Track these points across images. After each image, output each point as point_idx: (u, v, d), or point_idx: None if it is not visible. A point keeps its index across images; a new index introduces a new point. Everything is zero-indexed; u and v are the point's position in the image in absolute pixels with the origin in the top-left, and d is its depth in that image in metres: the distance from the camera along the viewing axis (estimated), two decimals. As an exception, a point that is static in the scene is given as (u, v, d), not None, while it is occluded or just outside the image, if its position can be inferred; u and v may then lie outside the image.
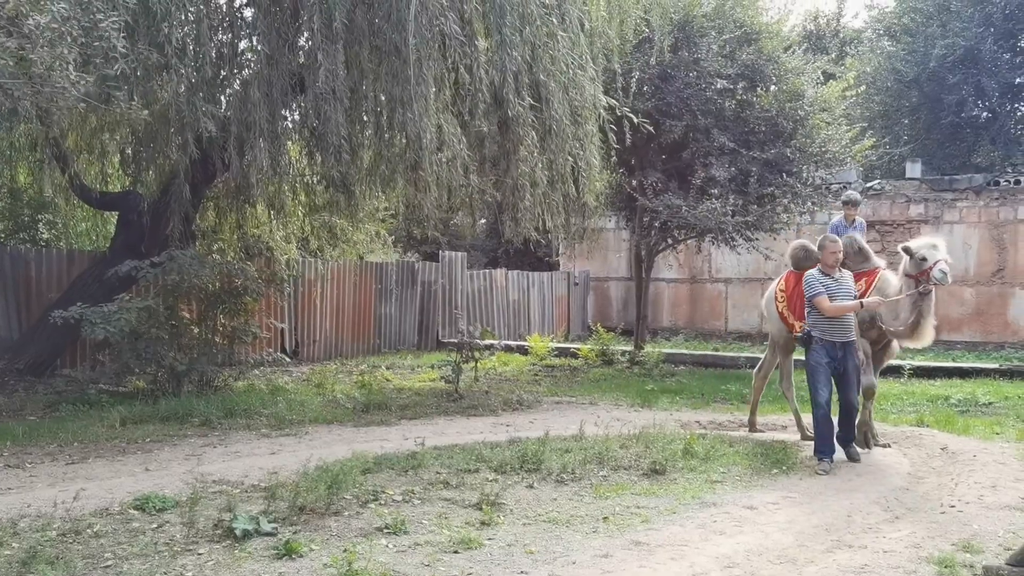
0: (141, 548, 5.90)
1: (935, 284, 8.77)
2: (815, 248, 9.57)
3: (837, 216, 12.08)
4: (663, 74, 16.12)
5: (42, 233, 17.89)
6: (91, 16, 8.22)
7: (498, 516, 6.80)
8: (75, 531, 6.17)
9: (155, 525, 6.44)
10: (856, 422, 9.18)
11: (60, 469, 8.39)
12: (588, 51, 13.50)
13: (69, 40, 7.84)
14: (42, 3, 7.77)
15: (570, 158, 13.30)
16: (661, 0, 16.08)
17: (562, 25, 12.76)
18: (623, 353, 17.90)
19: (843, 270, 9.11)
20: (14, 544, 5.88)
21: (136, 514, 6.71)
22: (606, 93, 14.38)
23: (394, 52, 10.96)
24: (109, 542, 6.03)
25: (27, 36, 7.67)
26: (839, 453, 8.97)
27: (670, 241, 18.17)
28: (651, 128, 15.23)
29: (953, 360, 17.76)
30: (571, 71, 12.89)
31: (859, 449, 9.24)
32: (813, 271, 9.03)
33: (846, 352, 8.81)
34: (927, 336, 9.13)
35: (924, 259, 8.85)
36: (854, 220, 11.64)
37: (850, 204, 11.78)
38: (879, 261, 10.02)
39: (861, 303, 8.82)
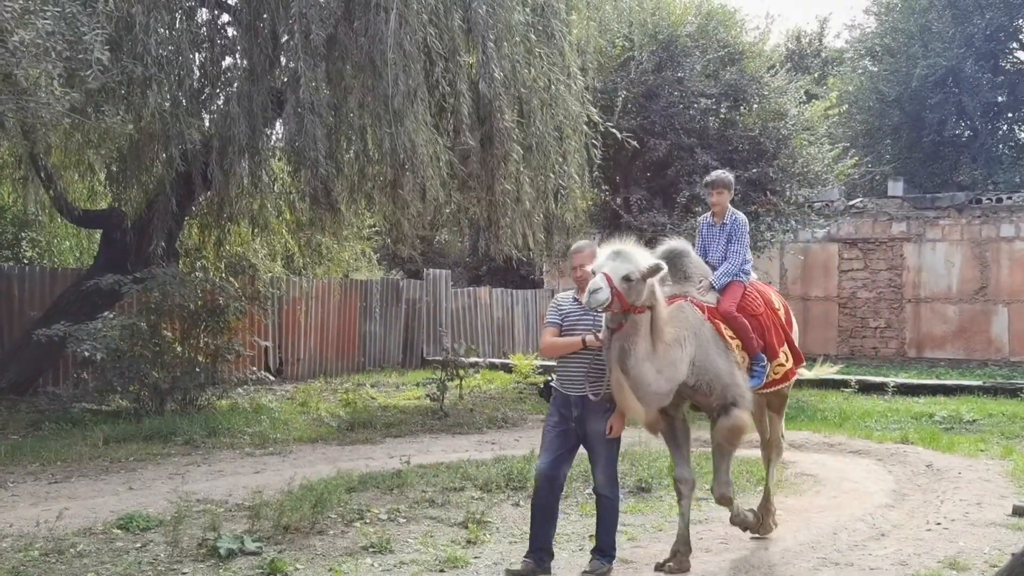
0: (124, 568, 5.86)
1: (593, 310, 5.76)
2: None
3: (705, 214, 7.49)
4: (647, 93, 16.18)
5: (25, 251, 17.78)
6: (76, 30, 8.23)
7: (484, 534, 6.79)
8: (58, 550, 6.12)
9: (139, 544, 6.41)
10: (614, 526, 6.17)
11: (43, 488, 8.32)
12: (572, 67, 13.53)
13: (53, 55, 7.84)
14: (27, 18, 7.76)
15: (552, 175, 13.28)
16: (644, 19, 16.18)
17: (545, 40, 12.78)
18: (608, 371, 17.84)
19: None
20: (-5, 564, 5.83)
21: (119, 533, 6.67)
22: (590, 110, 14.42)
23: (375, 67, 10.97)
24: (92, 561, 5.99)
25: (12, 52, 7.66)
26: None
27: (655, 259, 18.18)
28: (636, 144, 15.27)
29: (937, 377, 17.84)
30: (554, 87, 12.91)
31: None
32: (566, 293, 6.37)
33: (584, 411, 6.01)
34: (628, 402, 5.82)
35: (593, 274, 5.77)
36: (724, 215, 7.06)
37: (712, 185, 7.11)
38: (694, 284, 6.59)
39: (583, 340, 5.94)
